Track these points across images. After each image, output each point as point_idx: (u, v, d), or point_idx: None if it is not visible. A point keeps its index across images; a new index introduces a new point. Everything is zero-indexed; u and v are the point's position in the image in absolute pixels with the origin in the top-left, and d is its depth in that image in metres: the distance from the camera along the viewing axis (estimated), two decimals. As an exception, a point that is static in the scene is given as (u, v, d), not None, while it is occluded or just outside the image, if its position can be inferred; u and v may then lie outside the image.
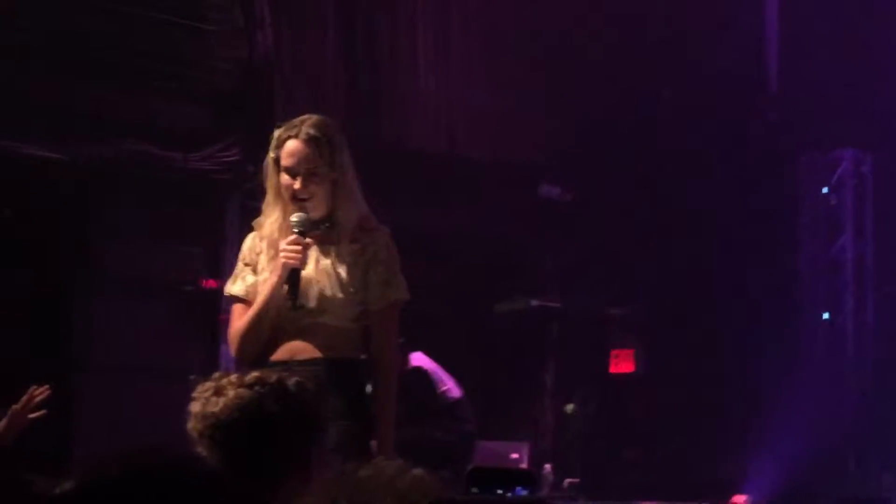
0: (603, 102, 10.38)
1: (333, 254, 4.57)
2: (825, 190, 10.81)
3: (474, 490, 1.75)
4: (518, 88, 10.39)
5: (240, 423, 3.04)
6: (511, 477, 1.72)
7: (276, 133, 4.63)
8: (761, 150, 10.69)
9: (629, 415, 10.21)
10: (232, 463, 3.02)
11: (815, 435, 9.79)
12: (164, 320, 8.62)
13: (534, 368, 9.50)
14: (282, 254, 4.48)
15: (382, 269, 4.58)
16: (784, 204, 10.82)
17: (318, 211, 4.57)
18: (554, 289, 9.76)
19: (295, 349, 4.52)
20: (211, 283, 8.79)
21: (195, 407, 3.10)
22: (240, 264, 4.70)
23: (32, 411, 4.65)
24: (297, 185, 4.53)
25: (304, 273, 4.54)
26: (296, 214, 4.50)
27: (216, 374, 3.17)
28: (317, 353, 4.51)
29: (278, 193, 4.59)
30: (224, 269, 8.74)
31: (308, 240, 4.49)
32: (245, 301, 4.65)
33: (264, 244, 4.62)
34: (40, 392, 4.68)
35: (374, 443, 4.44)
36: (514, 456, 8.36)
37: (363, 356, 4.57)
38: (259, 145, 8.47)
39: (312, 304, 4.52)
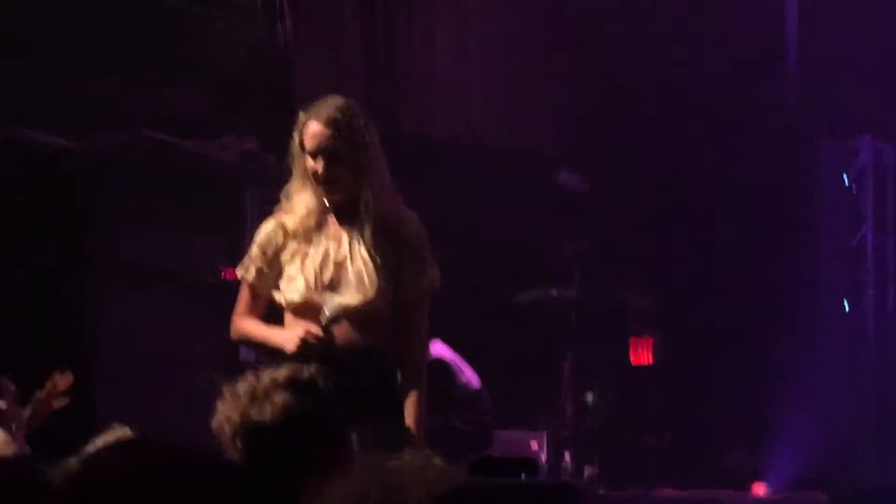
0: (622, 88, 10.35)
1: (364, 238, 4.53)
2: (845, 178, 10.76)
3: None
4: (537, 75, 10.36)
5: (285, 430, 3.03)
6: (514, 465, 1.70)
7: (301, 116, 4.62)
8: (782, 136, 10.64)
9: (648, 404, 10.19)
10: (268, 464, 3.01)
11: (835, 424, 9.76)
12: (182, 311, 8.62)
13: (553, 358, 9.48)
14: (302, 335, 4.40)
15: (414, 256, 4.55)
16: (804, 192, 10.77)
17: (342, 194, 4.55)
18: (573, 278, 9.73)
19: (333, 332, 4.49)
20: (231, 274, 8.78)
21: (229, 411, 3.07)
22: (255, 248, 4.68)
23: (57, 398, 4.64)
24: (319, 167, 4.52)
25: (337, 257, 4.52)
26: (331, 306, 4.46)
27: (245, 375, 3.15)
28: (349, 339, 4.48)
29: (305, 177, 4.58)
30: (242, 259, 8.74)
31: (332, 335, 4.43)
32: (253, 290, 4.64)
33: (291, 231, 4.59)
34: (63, 379, 4.68)
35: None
36: (534, 446, 8.35)
37: (389, 345, 4.56)
38: (277, 134, 8.50)
39: (350, 287, 4.50)
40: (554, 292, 9.42)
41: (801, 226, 10.71)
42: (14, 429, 4.20)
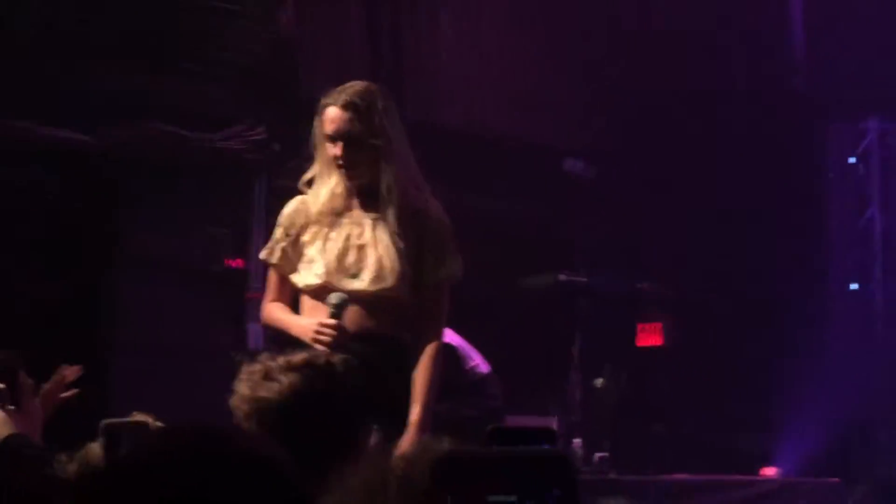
0: (628, 74, 10.35)
1: (386, 223, 4.53)
2: (852, 160, 10.76)
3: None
4: (543, 62, 10.36)
5: (292, 409, 3.04)
6: (532, 435, 1.71)
7: (322, 101, 4.62)
8: (789, 118, 10.63)
9: (657, 388, 10.20)
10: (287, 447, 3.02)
11: (844, 406, 9.76)
12: (191, 301, 8.64)
13: (562, 343, 9.49)
14: (314, 333, 4.40)
15: (436, 245, 4.54)
16: (811, 173, 10.77)
17: (363, 179, 4.55)
18: (581, 263, 9.74)
19: (349, 319, 4.48)
20: (238, 263, 8.81)
21: (243, 389, 3.09)
22: (278, 230, 4.68)
23: (64, 390, 4.65)
24: (338, 151, 4.53)
25: (359, 242, 4.52)
26: (334, 295, 4.45)
27: (263, 355, 3.17)
28: (370, 326, 4.48)
29: (326, 162, 4.59)
30: (252, 249, 8.76)
31: (344, 323, 4.40)
32: (279, 272, 4.64)
33: (314, 214, 4.59)
34: (71, 371, 4.69)
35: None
36: (553, 425, 8.36)
37: (408, 334, 4.54)
38: (284, 124, 8.52)
39: (370, 273, 4.49)
40: (562, 277, 9.43)
41: (809, 208, 10.71)
42: (31, 423, 4.21)
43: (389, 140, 4.50)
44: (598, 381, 9.43)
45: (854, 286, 10.66)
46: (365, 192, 4.54)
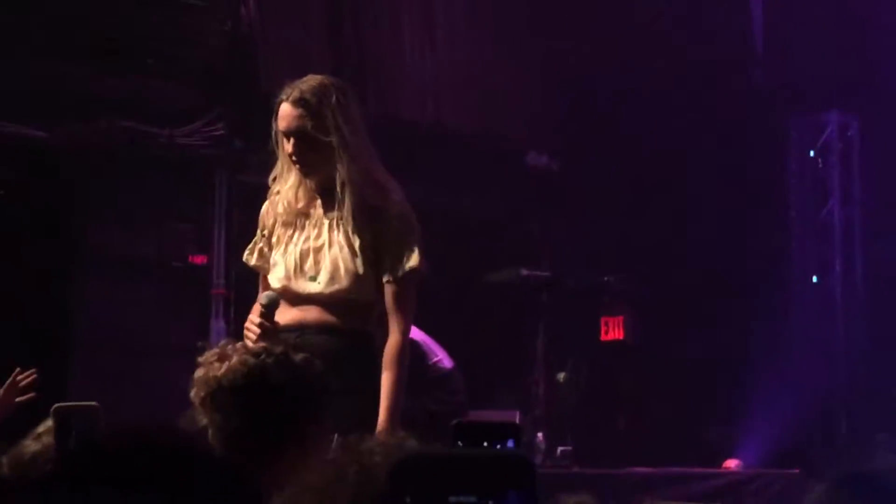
0: (590, 69, 10.37)
1: (343, 223, 4.50)
2: (812, 153, 10.81)
3: (459, 444, 1.74)
4: (504, 58, 10.37)
5: (241, 389, 3.04)
6: (498, 430, 1.71)
7: (278, 98, 4.60)
8: (748, 111, 10.68)
9: (620, 382, 10.24)
10: (228, 429, 3.01)
11: (806, 398, 9.83)
12: (154, 297, 8.62)
13: (525, 338, 9.50)
14: (245, 329, 4.41)
15: (396, 241, 4.50)
16: (772, 167, 10.82)
17: (319, 176, 4.52)
18: (544, 258, 9.76)
19: (307, 316, 4.47)
20: (201, 259, 8.78)
21: (198, 373, 3.09)
22: (258, 233, 4.67)
23: (19, 394, 4.61)
24: (290, 148, 4.50)
25: (315, 243, 4.50)
26: (265, 295, 4.45)
27: (223, 342, 3.17)
28: (328, 322, 4.46)
29: (285, 159, 4.56)
30: (213, 244, 8.74)
31: (274, 323, 4.37)
32: (261, 272, 4.64)
33: (280, 211, 4.58)
34: (25, 375, 4.65)
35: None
36: (517, 418, 8.37)
37: (375, 330, 4.52)
38: (245, 120, 8.50)
39: (325, 275, 4.48)
40: (524, 272, 9.44)
41: (769, 201, 10.76)
42: None
43: (343, 136, 4.45)
44: (561, 376, 9.45)
45: (815, 279, 10.72)
46: (325, 191, 4.52)
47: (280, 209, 4.56)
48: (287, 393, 3.07)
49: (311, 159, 4.47)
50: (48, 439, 2.91)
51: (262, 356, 3.09)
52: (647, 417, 10.10)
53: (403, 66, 9.94)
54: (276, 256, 4.55)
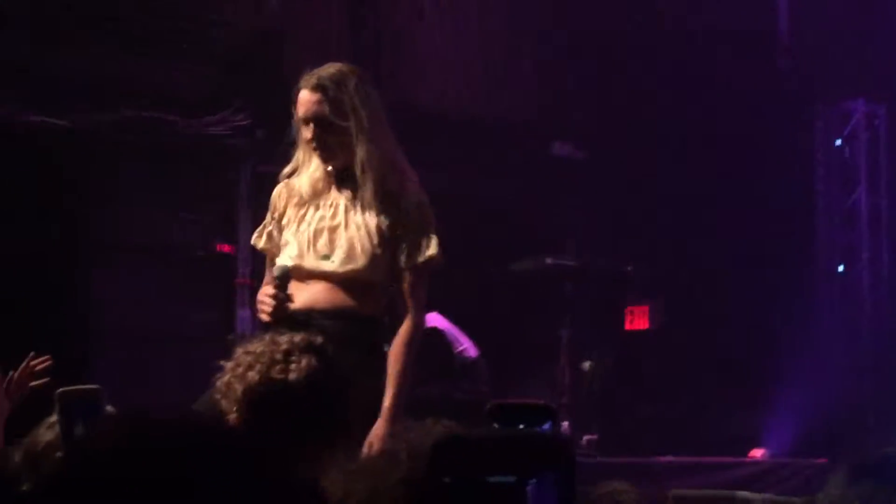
0: (616, 58, 10.34)
1: (361, 205, 4.49)
2: (838, 142, 10.77)
3: (495, 426, 1.73)
4: (531, 46, 10.34)
5: (301, 390, 2.99)
6: (533, 412, 1.70)
7: (297, 85, 4.61)
8: (775, 100, 10.63)
9: (645, 371, 10.21)
10: (273, 427, 2.98)
11: (832, 388, 9.78)
12: (179, 287, 8.62)
13: (550, 327, 9.49)
14: (258, 303, 4.40)
15: (412, 228, 4.49)
16: (798, 156, 10.78)
17: (338, 161, 4.52)
18: (569, 247, 9.74)
19: (317, 298, 4.45)
20: (225, 248, 8.79)
21: (244, 372, 3.04)
22: (268, 216, 4.67)
23: (33, 379, 4.61)
24: (309, 134, 4.50)
25: (331, 223, 4.49)
26: (277, 267, 4.44)
27: (254, 340, 3.12)
28: (338, 305, 4.44)
29: (305, 146, 4.56)
30: (238, 233, 8.74)
31: (287, 295, 4.36)
32: (269, 255, 4.63)
33: (294, 197, 4.57)
34: (39, 361, 4.65)
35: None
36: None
37: (386, 317, 4.51)
38: (268, 109, 8.49)
39: (341, 254, 4.47)
40: (549, 261, 9.42)
41: (796, 190, 10.72)
42: None
43: (362, 121, 4.45)
44: (586, 365, 9.43)
45: (841, 268, 10.67)
46: (343, 174, 4.52)
47: (296, 192, 4.55)
48: (334, 389, 3.05)
49: (330, 144, 4.48)
50: None
51: (311, 351, 3.04)
52: (672, 406, 10.08)
53: (426, 54, 9.93)
54: (287, 235, 4.54)
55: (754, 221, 10.23)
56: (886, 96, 10.68)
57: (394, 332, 4.45)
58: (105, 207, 8.53)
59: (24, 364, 4.63)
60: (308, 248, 4.48)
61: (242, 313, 8.47)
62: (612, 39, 10.34)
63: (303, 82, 4.54)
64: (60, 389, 2.51)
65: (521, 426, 1.70)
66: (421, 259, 4.47)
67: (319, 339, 3.10)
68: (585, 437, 8.65)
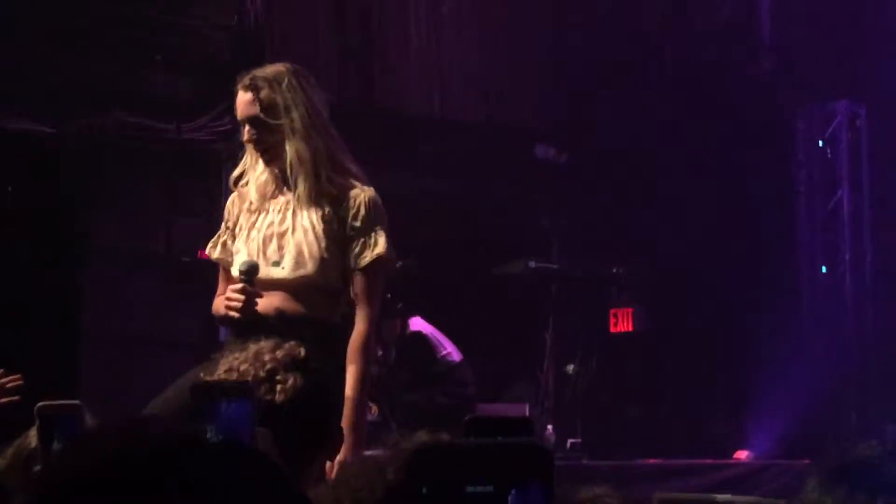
0: (597, 60, 10.34)
1: (303, 207, 4.44)
2: (820, 143, 10.79)
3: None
4: (511, 50, 10.35)
5: (289, 410, 2.96)
6: (510, 425, 1.69)
7: None
8: (757, 101, 10.65)
9: (630, 374, 10.22)
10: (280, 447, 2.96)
11: (816, 388, 9.80)
12: (161, 292, 8.60)
13: (533, 330, 9.49)
14: (226, 301, 4.35)
15: (360, 226, 4.43)
16: (780, 157, 10.80)
17: (279, 161, 4.47)
18: (552, 250, 9.75)
19: (271, 304, 4.40)
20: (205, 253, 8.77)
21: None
22: (223, 226, 4.62)
23: (3, 396, 4.59)
24: (244, 135, 4.48)
25: (279, 228, 4.44)
26: (243, 262, 4.39)
27: (235, 350, 3.07)
28: (296, 310, 4.40)
29: (249, 149, 4.53)
30: (220, 238, 8.72)
31: (255, 290, 4.31)
32: (223, 265, 4.57)
33: (247, 200, 4.53)
34: (9, 379, 4.62)
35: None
36: (526, 411, 8.37)
37: (342, 321, 4.45)
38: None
39: (290, 260, 4.42)
40: (532, 264, 9.42)
41: (778, 191, 10.74)
42: None
43: (293, 120, 4.41)
44: (570, 368, 9.44)
45: (824, 269, 10.69)
46: (287, 177, 4.47)
47: (252, 197, 4.50)
48: (323, 402, 3.04)
49: (267, 144, 4.42)
50: None
51: (296, 369, 3.02)
52: (656, 409, 10.09)
53: (410, 57, 9.93)
54: (238, 244, 4.49)
55: (736, 223, 10.24)
56: (868, 97, 10.71)
57: (348, 334, 4.40)
58: (89, 212, 8.51)
59: None
60: (258, 255, 4.43)
61: (226, 319, 8.45)
62: (593, 42, 10.35)
63: (238, 83, 4.51)
64: (40, 404, 2.50)
65: (499, 439, 1.70)
66: (368, 258, 4.40)
67: (302, 352, 3.06)
68: (570, 441, 8.65)
